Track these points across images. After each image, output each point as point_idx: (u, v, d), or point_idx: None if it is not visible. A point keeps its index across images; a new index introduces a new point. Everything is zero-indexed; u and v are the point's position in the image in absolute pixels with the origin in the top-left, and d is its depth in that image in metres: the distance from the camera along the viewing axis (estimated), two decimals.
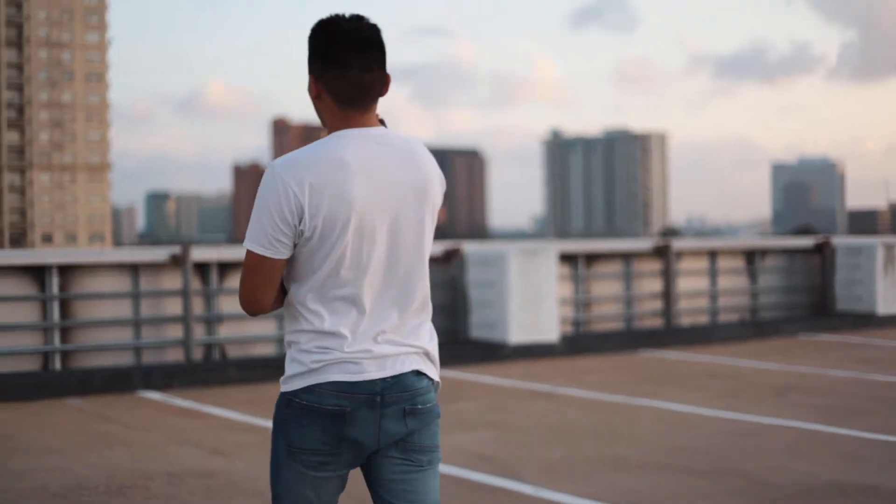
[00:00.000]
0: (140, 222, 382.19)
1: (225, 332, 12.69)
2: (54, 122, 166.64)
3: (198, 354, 12.40)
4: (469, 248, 14.47)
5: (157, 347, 12.30)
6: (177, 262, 12.26)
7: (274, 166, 3.17)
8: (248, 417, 9.62)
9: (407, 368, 3.27)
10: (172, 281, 12.39)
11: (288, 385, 3.24)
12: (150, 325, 12.31)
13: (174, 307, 12.37)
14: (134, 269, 12.29)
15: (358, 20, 3.26)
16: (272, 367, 11.97)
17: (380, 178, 3.21)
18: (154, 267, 12.37)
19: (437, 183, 3.34)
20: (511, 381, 11.81)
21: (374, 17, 3.34)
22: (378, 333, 3.24)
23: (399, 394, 3.24)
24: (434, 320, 11.76)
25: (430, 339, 3.36)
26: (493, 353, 13.58)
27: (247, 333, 12.79)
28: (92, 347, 11.95)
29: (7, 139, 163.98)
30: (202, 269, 12.61)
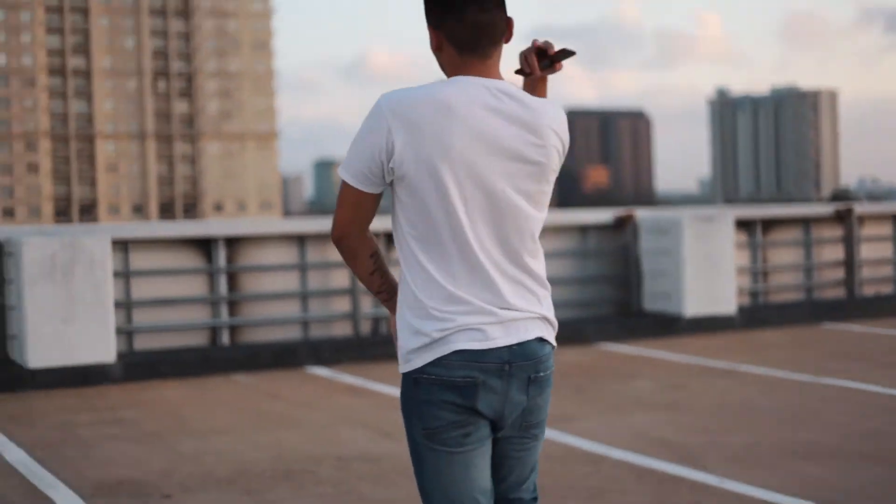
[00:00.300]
0: (308, 190, 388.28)
1: None
2: (222, 92, 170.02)
3: (365, 328, 12.21)
4: (641, 214, 13.97)
5: (325, 321, 12.15)
6: None
7: (380, 100, 3.10)
8: None
9: (532, 335, 3.17)
10: (337, 252, 12.19)
11: (411, 363, 3.13)
12: (317, 297, 12.16)
13: (341, 279, 12.19)
14: (300, 240, 12.15)
15: None
16: None
17: (487, 129, 3.08)
18: (321, 238, 12.20)
19: (554, 147, 3.19)
20: (688, 356, 11.33)
21: None
22: (497, 297, 3.13)
23: (524, 362, 3.16)
24: (605, 291, 11.31)
25: (548, 307, 3.26)
26: (668, 325, 13.09)
27: None
28: (260, 322, 11.86)
29: (178, 109, 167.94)
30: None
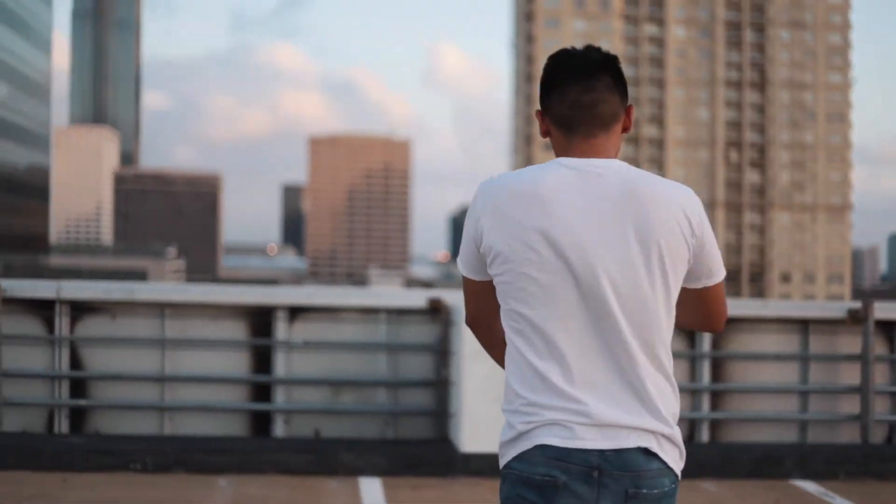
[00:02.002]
0: (882, 265, 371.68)
1: None
2: (795, 163, 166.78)
3: (877, 436, 10.00)
4: None
5: (824, 424, 10.06)
6: (856, 319, 9.95)
7: (479, 186, 3.07)
8: None
9: (632, 444, 2.88)
10: (849, 343, 10.09)
11: (502, 457, 3.00)
12: (818, 395, 10.11)
13: (851, 375, 10.05)
14: (803, 325, 10.16)
15: (588, 48, 3.08)
16: None
17: (579, 213, 2.92)
18: (828, 324, 10.16)
19: (662, 222, 2.92)
20: None
21: None
22: (593, 397, 2.89)
23: (621, 472, 2.87)
24: None
25: (661, 419, 2.91)
26: None
27: None
28: (744, 418, 10.00)
29: (749, 179, 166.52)
30: (888, 327, 10.19)
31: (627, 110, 3.07)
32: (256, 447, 9.00)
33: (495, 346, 3.18)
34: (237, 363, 9.71)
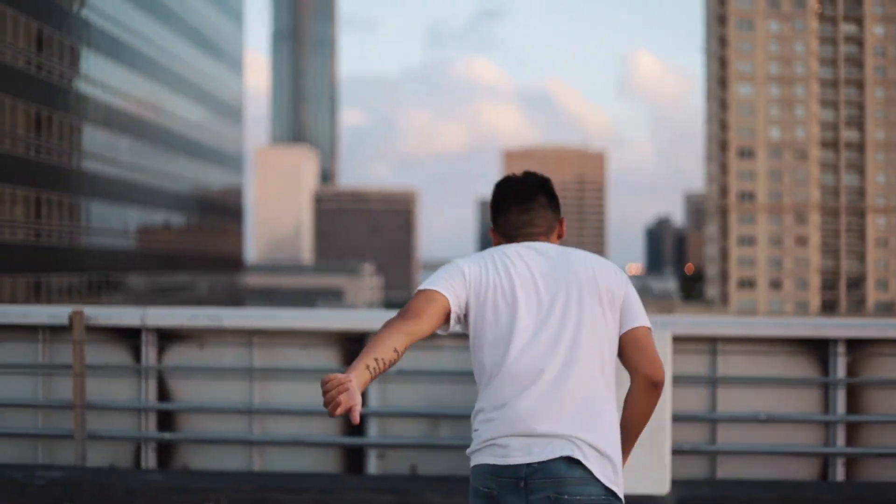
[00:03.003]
0: None
1: None
2: None
3: None
4: None
5: None
6: None
7: (453, 262, 3.83)
8: None
9: (555, 454, 3.41)
10: None
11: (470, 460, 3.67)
12: None
13: None
14: None
15: (526, 174, 3.97)
16: None
17: (528, 266, 3.76)
18: None
19: (597, 271, 3.74)
20: None
21: None
22: (528, 415, 3.48)
23: (543, 479, 3.39)
24: None
25: (593, 431, 3.44)
26: None
27: None
28: (881, 452, 8.96)
29: None
30: None
31: (560, 222, 3.98)
32: (337, 486, 8.42)
33: (414, 318, 3.72)
34: None
